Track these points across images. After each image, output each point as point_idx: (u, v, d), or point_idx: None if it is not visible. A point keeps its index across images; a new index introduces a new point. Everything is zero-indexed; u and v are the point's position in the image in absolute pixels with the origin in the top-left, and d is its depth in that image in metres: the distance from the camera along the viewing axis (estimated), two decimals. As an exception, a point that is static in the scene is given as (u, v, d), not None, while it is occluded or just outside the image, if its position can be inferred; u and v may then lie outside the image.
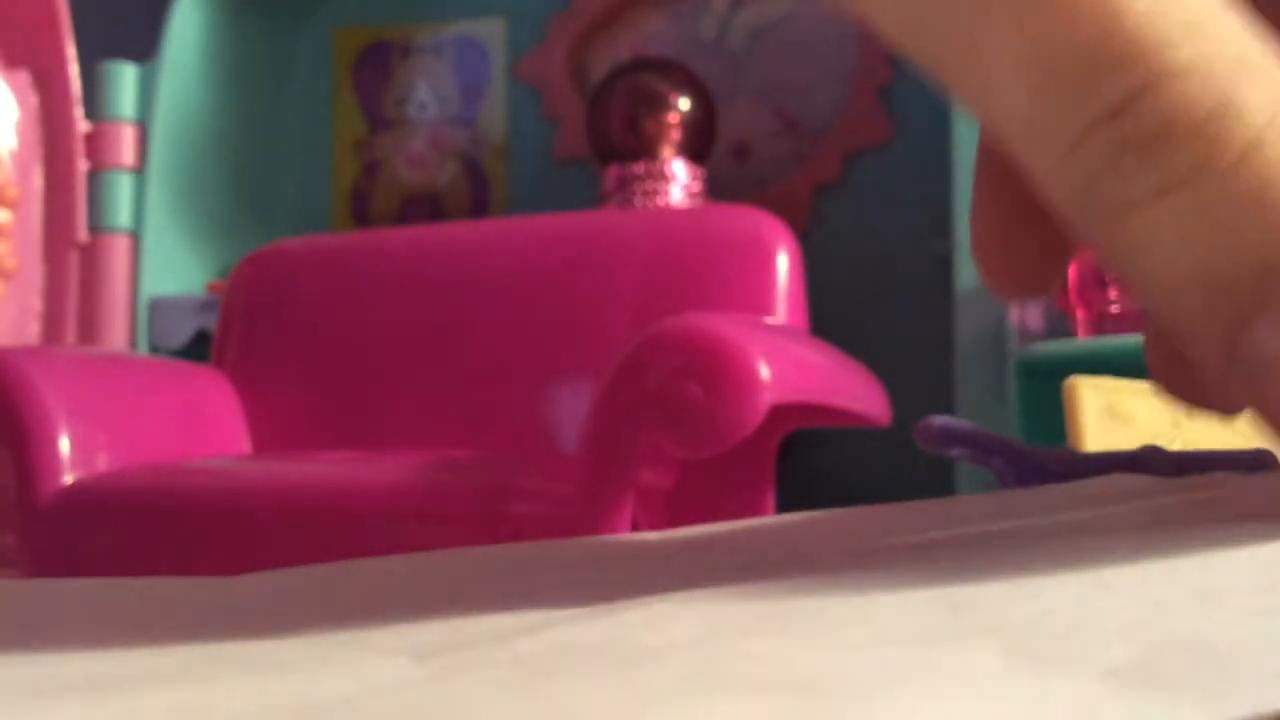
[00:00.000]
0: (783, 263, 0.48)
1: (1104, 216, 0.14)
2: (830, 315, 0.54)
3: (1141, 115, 0.13)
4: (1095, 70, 0.13)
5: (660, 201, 0.60)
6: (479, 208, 0.75)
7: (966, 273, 0.56)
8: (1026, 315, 0.57)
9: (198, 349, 0.63)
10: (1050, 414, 0.48)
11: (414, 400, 0.48)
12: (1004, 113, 0.14)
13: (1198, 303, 0.14)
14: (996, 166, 0.17)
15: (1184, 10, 0.13)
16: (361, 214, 0.76)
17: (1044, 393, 0.49)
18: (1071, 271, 0.54)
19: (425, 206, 0.76)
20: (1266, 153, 0.13)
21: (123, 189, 0.67)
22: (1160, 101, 0.13)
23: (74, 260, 0.67)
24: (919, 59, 0.15)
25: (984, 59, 0.14)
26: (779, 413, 0.35)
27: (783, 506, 0.49)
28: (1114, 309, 0.53)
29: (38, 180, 0.67)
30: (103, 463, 0.44)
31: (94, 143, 0.66)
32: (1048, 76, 0.13)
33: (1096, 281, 0.53)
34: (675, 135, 0.62)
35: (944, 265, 0.59)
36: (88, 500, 0.42)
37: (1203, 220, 0.13)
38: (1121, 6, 0.13)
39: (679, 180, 0.61)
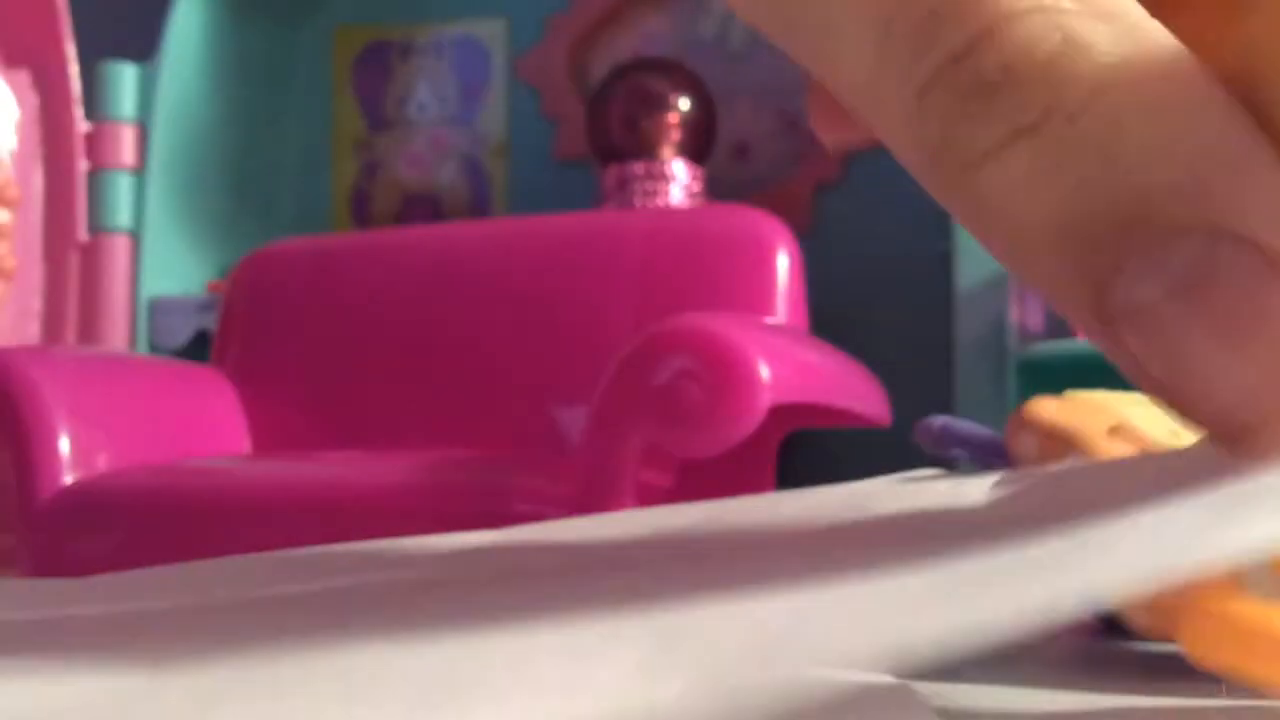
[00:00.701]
0: (783, 263, 0.48)
1: (955, 172, 0.13)
2: (830, 315, 0.54)
3: (984, 59, 0.12)
4: (935, 19, 0.13)
5: (660, 201, 0.60)
6: (479, 208, 0.75)
7: (966, 273, 0.56)
8: (1026, 315, 0.57)
9: (198, 349, 0.63)
10: (1050, 414, 0.48)
11: (414, 400, 0.48)
12: (852, 78, 0.14)
13: (1059, 262, 0.13)
14: None
15: None
16: (361, 214, 0.76)
17: (1044, 393, 0.49)
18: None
19: (425, 206, 0.76)
20: (1115, 96, 0.12)
21: (123, 189, 0.67)
22: (1003, 44, 0.12)
23: (74, 260, 0.67)
24: (772, 35, 0.14)
25: (830, 26, 0.13)
26: (779, 413, 0.35)
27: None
28: (1114, 309, 0.53)
29: (38, 180, 0.67)
30: (103, 463, 0.44)
31: (94, 143, 0.66)
32: (889, 33, 0.13)
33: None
34: (675, 135, 0.62)
35: (944, 265, 0.59)
36: (88, 500, 0.42)
37: (1054, 170, 0.12)
38: None
39: (679, 180, 0.61)
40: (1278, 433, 0.12)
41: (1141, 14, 0.13)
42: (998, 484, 0.19)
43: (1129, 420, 0.22)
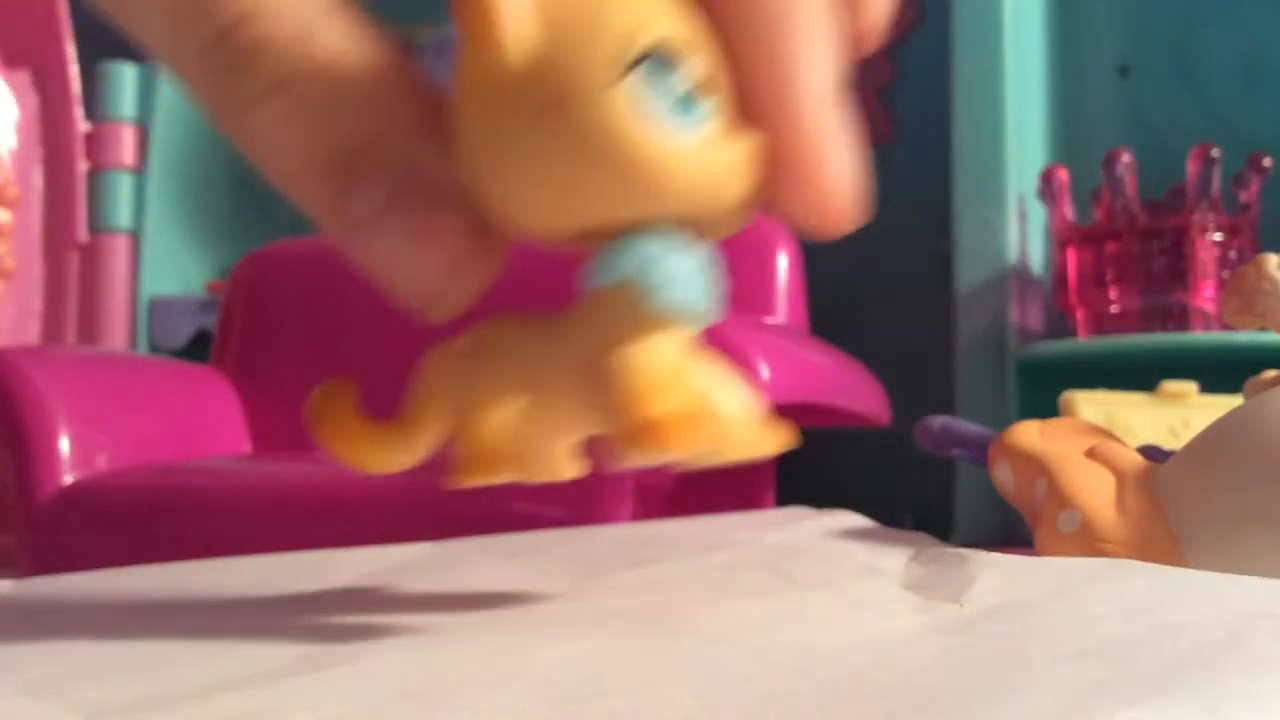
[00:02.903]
0: (783, 263, 0.48)
1: (230, 114, 0.18)
2: (830, 315, 0.54)
3: (241, 37, 0.17)
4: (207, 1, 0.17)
5: (660, 201, 0.60)
6: (479, 208, 0.75)
7: (966, 273, 0.56)
8: (1026, 315, 0.57)
9: (197, 349, 0.63)
10: (1050, 414, 0.48)
11: (414, 400, 0.48)
12: (156, 33, 0.18)
13: (309, 187, 0.18)
14: None
15: None
16: (361, 214, 0.76)
17: (1044, 393, 0.49)
18: (1071, 271, 0.54)
19: (425, 206, 0.76)
20: (339, 71, 0.18)
21: (123, 189, 0.67)
22: (253, 29, 0.17)
23: (74, 260, 0.67)
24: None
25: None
26: (779, 413, 0.35)
27: (782, 506, 0.49)
28: (1114, 309, 0.53)
29: (38, 180, 0.67)
30: (103, 463, 0.44)
31: (94, 143, 0.66)
32: (173, 8, 0.17)
33: (1096, 281, 0.53)
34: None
35: (944, 265, 0.59)
36: (88, 500, 0.42)
37: (295, 120, 0.18)
38: None
39: (679, 180, 0.61)
40: (448, 305, 0.18)
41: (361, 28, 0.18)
42: (914, 558, 0.20)
43: (1105, 444, 0.22)
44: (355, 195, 0.18)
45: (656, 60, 0.17)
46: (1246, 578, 0.19)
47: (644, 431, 0.17)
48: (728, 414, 0.19)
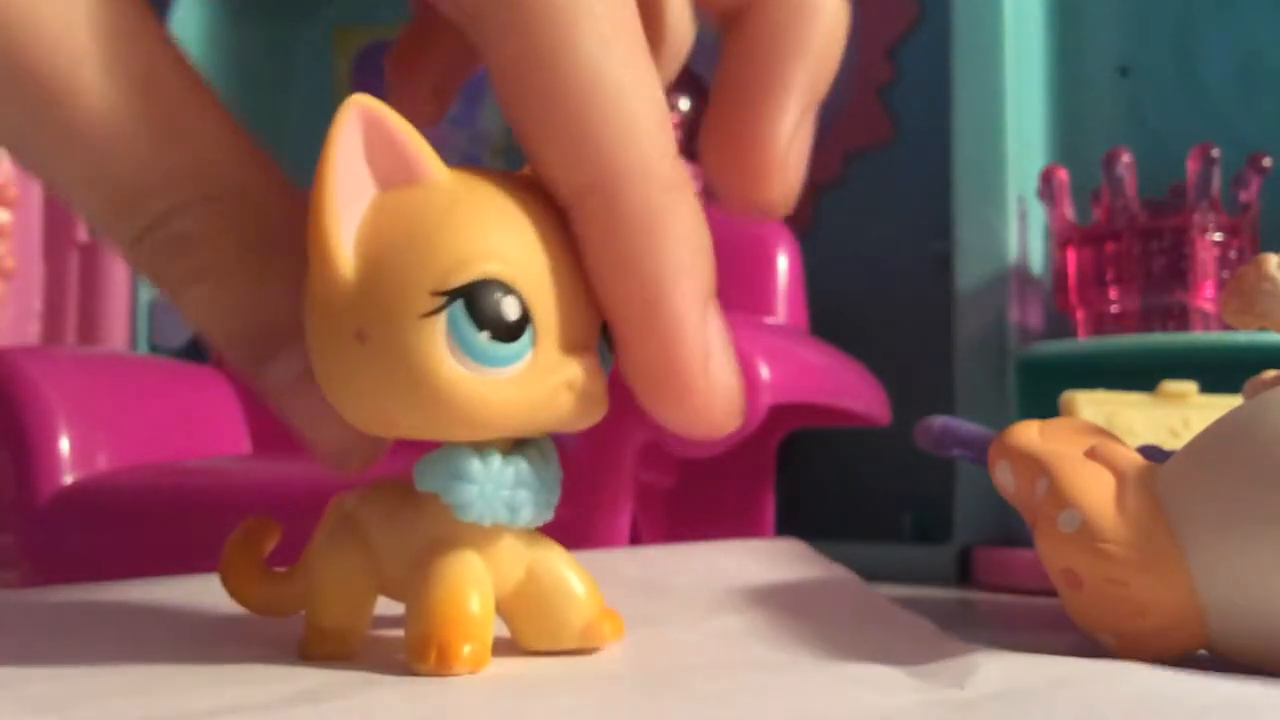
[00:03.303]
0: (783, 263, 0.48)
1: (169, 291, 0.20)
2: (830, 315, 0.54)
3: (171, 226, 0.19)
4: (140, 193, 0.19)
5: (660, 201, 0.60)
6: (479, 208, 0.75)
7: (966, 273, 0.56)
8: (1026, 315, 0.57)
9: (197, 349, 0.63)
10: (1050, 414, 0.47)
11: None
12: (94, 217, 0.20)
13: (233, 353, 0.20)
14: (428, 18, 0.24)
15: (186, 154, 0.20)
16: (361, 214, 0.76)
17: (1044, 393, 0.49)
18: (1071, 271, 0.54)
19: (425, 206, 0.76)
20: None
21: (123, 189, 0.67)
22: (186, 218, 0.19)
23: (74, 260, 0.67)
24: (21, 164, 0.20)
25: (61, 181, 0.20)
26: (779, 413, 0.35)
27: (782, 506, 0.49)
28: (1114, 309, 0.53)
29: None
30: (103, 463, 0.44)
31: (94, 143, 0.66)
32: (108, 195, 0.19)
33: (1096, 281, 0.53)
34: (675, 135, 0.62)
35: (944, 265, 0.59)
36: (88, 500, 0.42)
37: (217, 301, 0.20)
38: (145, 149, 0.19)
39: (679, 180, 0.61)
40: (355, 462, 0.20)
41: None
42: (918, 644, 0.20)
43: (1105, 444, 0.22)
44: (270, 367, 0.20)
45: (477, 293, 0.17)
46: (1251, 679, 0.19)
47: (431, 649, 0.18)
48: (569, 605, 0.20)
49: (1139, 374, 0.48)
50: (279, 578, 0.22)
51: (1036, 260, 0.58)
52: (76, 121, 0.18)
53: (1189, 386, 0.45)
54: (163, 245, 0.19)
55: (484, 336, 0.17)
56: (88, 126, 0.19)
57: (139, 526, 0.41)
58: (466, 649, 0.18)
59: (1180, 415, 0.45)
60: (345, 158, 0.17)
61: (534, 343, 0.18)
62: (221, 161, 0.20)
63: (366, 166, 0.18)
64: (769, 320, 0.47)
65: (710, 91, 0.21)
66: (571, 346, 0.18)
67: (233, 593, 0.23)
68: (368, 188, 0.18)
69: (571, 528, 0.29)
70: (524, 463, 0.19)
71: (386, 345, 0.17)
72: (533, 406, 0.18)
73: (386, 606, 0.21)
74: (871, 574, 0.30)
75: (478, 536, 0.19)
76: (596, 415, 0.19)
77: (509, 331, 0.18)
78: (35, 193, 0.66)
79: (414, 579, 0.19)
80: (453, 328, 0.17)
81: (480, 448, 0.19)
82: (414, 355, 0.17)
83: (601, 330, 0.19)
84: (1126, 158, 0.51)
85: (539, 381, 0.18)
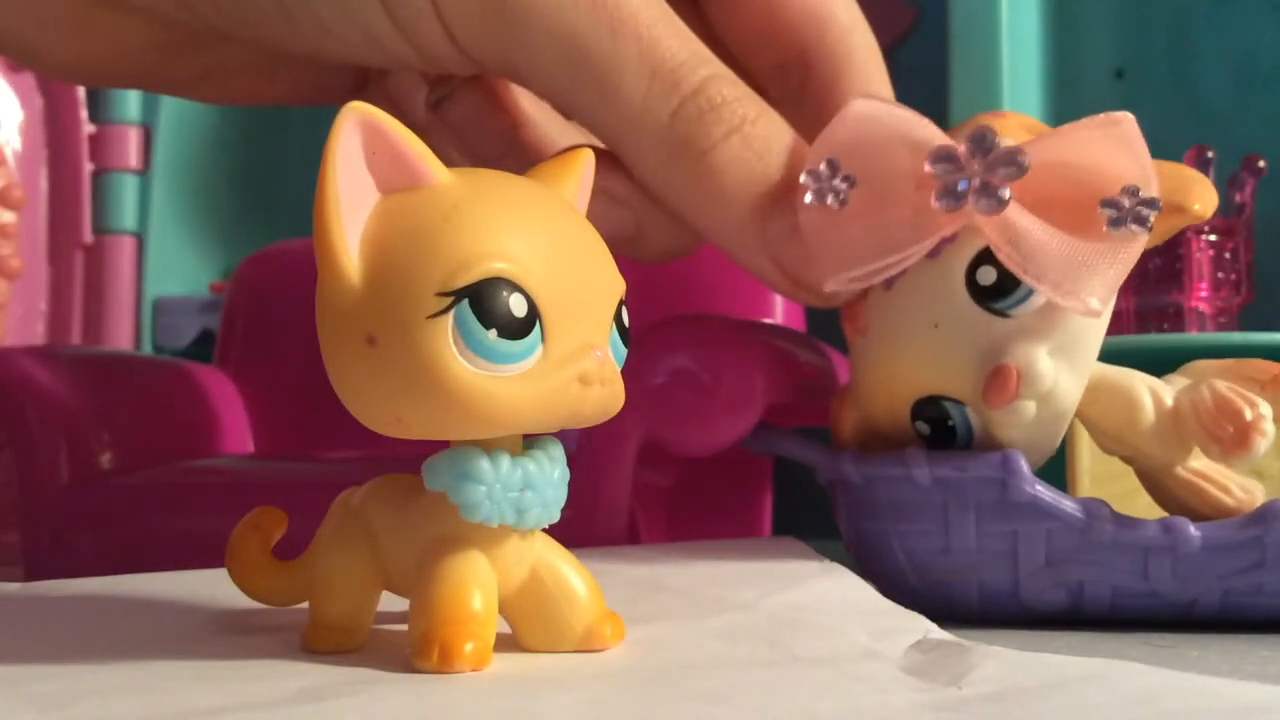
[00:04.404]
0: (781, 264, 0.49)
1: (694, 157, 0.25)
2: (829, 315, 0.54)
3: (708, 92, 0.25)
4: (681, 69, 0.25)
5: (660, 203, 0.61)
6: (481, 209, 0.75)
7: (964, 274, 0.56)
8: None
9: (201, 349, 0.63)
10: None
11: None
12: (628, 106, 0.25)
13: (742, 208, 0.26)
14: None
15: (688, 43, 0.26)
16: (364, 215, 0.76)
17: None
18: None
19: (427, 207, 0.76)
20: (771, 116, 0.27)
21: (127, 190, 0.67)
22: (720, 84, 0.25)
23: (79, 261, 0.67)
24: (549, 76, 0.26)
25: (615, 72, 0.25)
26: (777, 412, 0.35)
27: (780, 506, 0.50)
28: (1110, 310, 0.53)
29: (43, 182, 0.67)
30: (105, 462, 0.44)
31: (99, 145, 0.67)
32: (655, 73, 0.25)
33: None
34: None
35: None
36: (91, 499, 0.42)
37: (745, 152, 0.26)
38: (675, 38, 0.25)
39: (679, 182, 0.61)
40: (830, 286, 0.26)
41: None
42: (915, 645, 0.21)
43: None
44: (774, 217, 0.26)
45: (483, 292, 0.18)
46: (1252, 679, 0.19)
47: (434, 647, 0.18)
48: (571, 608, 0.20)
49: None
50: (284, 568, 0.23)
51: (1034, 261, 0.58)
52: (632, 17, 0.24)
53: (1184, 387, 0.45)
54: (703, 110, 0.25)
55: (492, 334, 0.18)
56: (637, 22, 0.24)
57: (142, 526, 0.42)
58: (469, 647, 0.18)
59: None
60: (346, 165, 0.18)
61: (543, 339, 0.18)
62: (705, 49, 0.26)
63: (368, 172, 0.18)
64: (767, 320, 0.48)
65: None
66: (582, 341, 0.19)
67: (238, 579, 0.23)
68: (370, 193, 0.18)
69: (571, 527, 0.30)
70: (532, 465, 0.19)
71: (397, 348, 0.18)
72: (545, 402, 0.18)
73: (390, 602, 0.21)
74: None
75: (483, 536, 0.20)
76: (614, 408, 0.20)
77: (517, 329, 0.18)
78: (40, 194, 0.67)
79: (419, 576, 0.19)
80: (460, 327, 0.17)
81: (489, 449, 0.19)
82: (424, 356, 0.18)
83: (614, 324, 0.20)
84: (1123, 159, 0.51)
85: (550, 377, 0.18)
